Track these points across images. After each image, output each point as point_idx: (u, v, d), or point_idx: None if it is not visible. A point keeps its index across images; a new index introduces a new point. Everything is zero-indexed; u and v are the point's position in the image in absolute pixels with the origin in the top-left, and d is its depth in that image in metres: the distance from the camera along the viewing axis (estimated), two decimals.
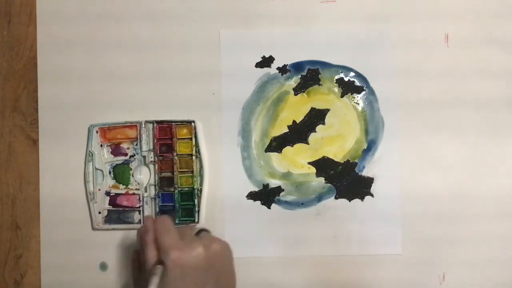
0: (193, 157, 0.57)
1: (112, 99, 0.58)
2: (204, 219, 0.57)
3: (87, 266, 0.58)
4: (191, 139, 0.57)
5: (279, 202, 0.57)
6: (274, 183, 0.58)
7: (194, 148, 0.57)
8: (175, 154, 0.57)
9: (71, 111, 0.58)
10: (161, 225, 0.47)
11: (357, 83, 0.57)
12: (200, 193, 0.57)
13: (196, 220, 0.57)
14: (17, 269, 0.59)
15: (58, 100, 0.58)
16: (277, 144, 0.58)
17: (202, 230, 0.50)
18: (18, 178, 0.59)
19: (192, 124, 0.57)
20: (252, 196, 0.57)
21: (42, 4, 0.59)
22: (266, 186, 0.58)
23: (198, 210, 0.57)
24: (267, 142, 0.58)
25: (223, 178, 0.58)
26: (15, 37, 0.59)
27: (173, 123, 0.57)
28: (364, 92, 0.57)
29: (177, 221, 0.57)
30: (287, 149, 0.58)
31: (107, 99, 0.58)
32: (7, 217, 0.59)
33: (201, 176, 0.57)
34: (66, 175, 0.58)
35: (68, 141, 0.58)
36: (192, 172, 0.57)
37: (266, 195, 0.57)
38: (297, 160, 0.58)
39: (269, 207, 0.57)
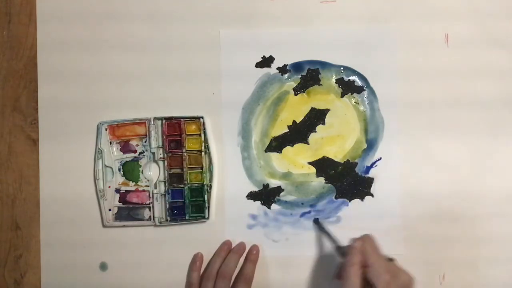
0: (202, 153, 0.57)
1: (111, 98, 0.58)
2: (214, 215, 0.57)
3: (87, 266, 0.58)
4: (200, 135, 0.57)
5: (279, 202, 0.57)
6: (274, 183, 0.58)
7: (203, 144, 0.57)
8: (184, 150, 0.57)
9: (71, 110, 0.58)
10: (372, 245, 0.48)
11: (357, 83, 0.57)
12: (210, 189, 0.57)
13: (206, 216, 0.57)
14: (17, 269, 0.59)
15: (58, 100, 0.58)
16: (277, 144, 0.58)
17: (391, 259, 0.50)
18: (18, 178, 0.59)
19: (201, 120, 0.57)
20: (252, 196, 0.57)
21: (42, 4, 0.59)
22: (266, 186, 0.58)
23: (208, 206, 0.57)
24: (267, 142, 0.58)
25: (223, 177, 0.58)
26: (15, 37, 0.59)
27: (181, 120, 0.57)
28: (364, 92, 0.57)
29: (187, 217, 0.57)
30: (287, 149, 0.58)
31: (106, 98, 0.58)
32: (7, 217, 0.59)
33: (211, 172, 0.57)
34: (66, 175, 0.58)
35: (69, 141, 0.58)
36: (202, 168, 0.57)
37: (266, 195, 0.57)
38: (297, 160, 0.58)
39: (269, 207, 0.57)
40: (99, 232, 0.58)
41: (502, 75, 0.57)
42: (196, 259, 0.56)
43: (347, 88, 0.58)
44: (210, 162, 0.57)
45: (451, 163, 0.57)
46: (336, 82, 0.58)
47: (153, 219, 0.57)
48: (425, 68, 0.57)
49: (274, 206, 0.57)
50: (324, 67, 0.58)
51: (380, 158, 0.57)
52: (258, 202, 0.57)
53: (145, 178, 0.58)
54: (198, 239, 0.57)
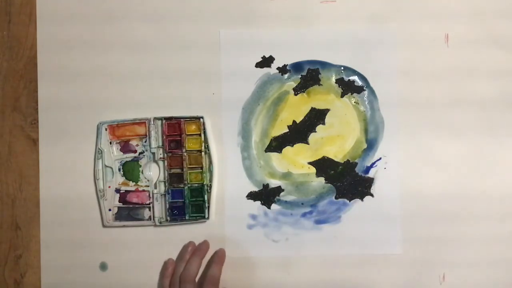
0: (202, 153, 0.57)
1: (111, 98, 0.58)
2: (214, 214, 0.57)
3: (87, 266, 0.58)
4: (200, 135, 0.57)
5: (279, 202, 0.57)
6: (274, 183, 0.58)
7: (203, 144, 0.57)
8: (184, 150, 0.57)
9: (71, 110, 0.58)
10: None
11: (357, 83, 0.57)
12: (210, 189, 0.57)
13: (206, 216, 0.57)
14: (17, 269, 0.59)
15: (58, 100, 0.58)
16: (277, 144, 0.58)
17: None
18: (18, 178, 0.59)
19: (201, 120, 0.57)
20: (252, 196, 0.57)
21: (42, 4, 0.59)
22: (266, 186, 0.58)
23: (208, 206, 0.57)
24: (267, 142, 0.58)
25: (223, 177, 0.58)
26: (15, 37, 0.59)
27: (181, 120, 0.57)
28: (364, 92, 0.57)
29: (187, 217, 0.57)
30: (287, 149, 0.58)
31: (106, 98, 0.58)
32: (7, 217, 0.59)
33: (211, 172, 0.57)
34: (66, 175, 0.58)
35: (69, 141, 0.58)
36: (202, 168, 0.57)
37: (266, 195, 0.57)
38: (297, 160, 0.58)
39: (269, 207, 0.57)
40: (99, 232, 0.58)
41: (502, 75, 0.57)
42: (168, 265, 0.56)
43: (347, 88, 0.58)
44: (210, 162, 0.57)
45: (451, 163, 0.57)
46: (336, 82, 0.58)
47: (153, 219, 0.57)
48: (425, 68, 0.57)
49: (274, 206, 0.57)
50: (324, 67, 0.58)
51: (380, 158, 0.57)
52: (258, 202, 0.57)
53: (145, 178, 0.58)
54: (198, 239, 0.57)
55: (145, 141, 0.58)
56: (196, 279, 0.54)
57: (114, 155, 0.58)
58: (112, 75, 0.58)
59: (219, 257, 0.56)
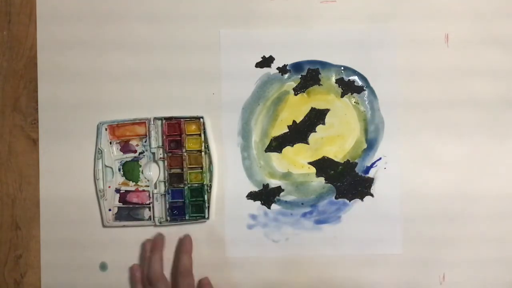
0: (202, 153, 0.57)
1: (111, 98, 0.58)
2: (214, 214, 0.57)
3: (87, 266, 0.58)
4: (199, 135, 0.57)
5: (279, 202, 0.57)
6: (274, 183, 0.58)
7: (203, 144, 0.57)
8: (184, 150, 0.57)
9: (71, 110, 0.58)
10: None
11: (357, 83, 0.57)
12: (210, 189, 0.57)
13: (206, 216, 0.57)
14: (17, 269, 0.59)
15: (58, 100, 0.58)
16: (277, 144, 0.58)
17: None
18: (18, 178, 0.59)
19: (201, 120, 0.57)
20: (252, 196, 0.57)
21: (42, 4, 0.59)
22: (266, 186, 0.58)
23: (208, 206, 0.57)
24: (267, 142, 0.58)
25: (223, 177, 0.58)
26: (15, 37, 0.59)
27: (181, 120, 0.57)
28: (364, 92, 0.57)
29: (187, 217, 0.57)
30: (287, 149, 0.58)
31: (106, 98, 0.58)
32: (7, 217, 0.59)
33: (211, 172, 0.57)
34: (66, 175, 0.58)
35: (69, 141, 0.58)
36: (202, 168, 0.57)
37: (266, 195, 0.57)
38: (297, 160, 0.58)
39: (269, 207, 0.57)
40: (99, 232, 0.58)
41: (502, 75, 0.57)
42: (134, 271, 0.56)
43: (347, 88, 0.58)
44: (210, 162, 0.57)
45: (451, 163, 0.57)
46: (336, 82, 0.58)
47: (153, 219, 0.57)
48: (425, 68, 0.57)
49: (274, 206, 0.58)
50: (324, 67, 0.58)
51: (380, 158, 0.57)
52: (258, 202, 0.58)
53: (145, 178, 0.58)
54: (198, 239, 0.57)
55: (145, 141, 0.58)
56: (169, 273, 0.54)
57: (114, 155, 0.58)
58: (112, 75, 0.58)
59: (185, 245, 0.56)
